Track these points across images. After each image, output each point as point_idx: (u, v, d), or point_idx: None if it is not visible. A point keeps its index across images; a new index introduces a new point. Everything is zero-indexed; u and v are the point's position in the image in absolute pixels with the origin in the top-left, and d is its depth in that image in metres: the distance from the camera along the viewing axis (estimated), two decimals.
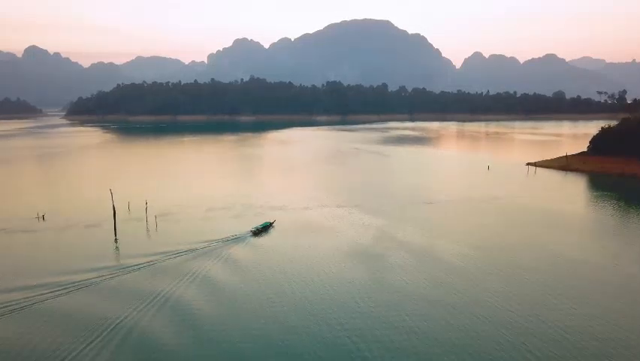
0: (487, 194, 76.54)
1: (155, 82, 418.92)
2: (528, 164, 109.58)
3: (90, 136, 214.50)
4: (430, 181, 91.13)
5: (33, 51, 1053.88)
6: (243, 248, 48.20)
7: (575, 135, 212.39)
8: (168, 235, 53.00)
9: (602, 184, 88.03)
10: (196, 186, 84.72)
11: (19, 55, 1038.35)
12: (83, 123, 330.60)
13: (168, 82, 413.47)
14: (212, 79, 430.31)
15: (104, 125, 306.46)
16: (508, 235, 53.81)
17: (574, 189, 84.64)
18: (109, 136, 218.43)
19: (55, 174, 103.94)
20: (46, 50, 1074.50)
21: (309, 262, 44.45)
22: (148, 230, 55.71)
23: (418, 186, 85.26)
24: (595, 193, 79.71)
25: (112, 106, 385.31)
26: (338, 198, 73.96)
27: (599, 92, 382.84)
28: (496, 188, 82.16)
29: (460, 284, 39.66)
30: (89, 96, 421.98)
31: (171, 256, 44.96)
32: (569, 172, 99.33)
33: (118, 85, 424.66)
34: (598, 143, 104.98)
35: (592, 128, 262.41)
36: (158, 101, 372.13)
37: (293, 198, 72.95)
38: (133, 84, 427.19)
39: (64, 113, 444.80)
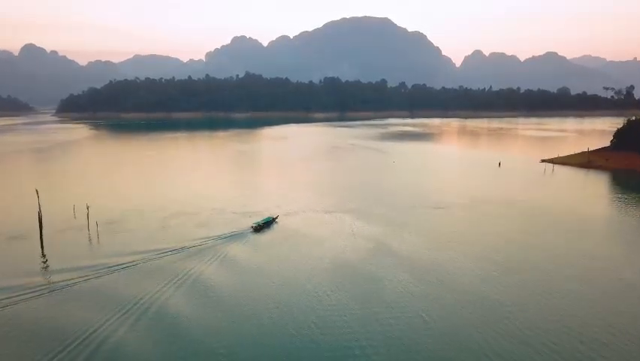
0: (502, 195, 65.68)
1: (148, 78, 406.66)
2: (543, 161, 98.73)
3: (73, 133, 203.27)
4: (434, 180, 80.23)
5: (30, 49, 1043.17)
6: (241, 246, 43.22)
7: (584, 131, 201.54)
8: (149, 234, 46.88)
9: (632, 184, 77.28)
10: (171, 185, 74.50)
11: (16, 53, 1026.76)
12: (72, 120, 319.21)
13: (161, 78, 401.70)
14: (207, 75, 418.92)
15: (94, 122, 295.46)
16: (533, 248, 42.95)
17: (600, 189, 73.92)
18: (93, 132, 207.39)
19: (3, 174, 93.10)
20: (43, 49, 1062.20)
21: (303, 271, 37.95)
22: (122, 229, 48.90)
23: (421, 186, 74.45)
24: (625, 194, 68.77)
25: (104, 103, 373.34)
26: (330, 200, 63.04)
27: (606, 88, 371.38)
28: (512, 188, 71.32)
29: (475, 312, 29.65)
30: (81, 93, 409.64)
31: (157, 256, 39.79)
32: (590, 170, 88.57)
33: (110, 81, 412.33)
34: (623, 137, 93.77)
35: (601, 124, 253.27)
36: (151, 97, 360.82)
37: (278, 201, 62.09)
38: (125, 80, 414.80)
39: (54, 111, 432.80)
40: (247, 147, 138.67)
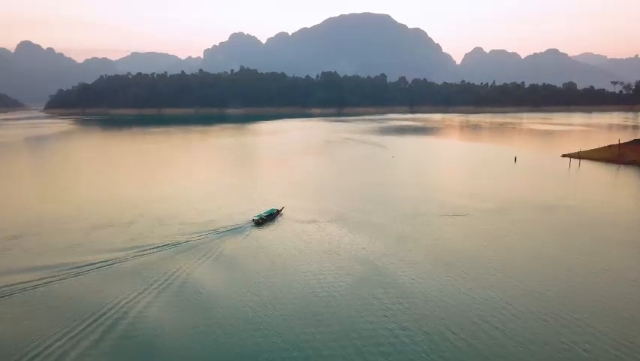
0: (528, 197, 52.98)
1: (140, 73, 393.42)
2: (565, 155, 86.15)
3: (50, 127, 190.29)
4: (441, 179, 67.54)
5: (26, 46, 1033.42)
6: (238, 243, 36.94)
7: (597, 125, 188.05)
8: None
9: None
10: (151, 179, 64.60)
11: (12, 50, 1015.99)
12: (58, 116, 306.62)
13: (153, 73, 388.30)
14: (201, 70, 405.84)
15: (80, 117, 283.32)
16: (597, 276, 30.39)
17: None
18: (73, 127, 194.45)
19: None
20: (39, 45, 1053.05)
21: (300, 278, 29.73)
22: (96, 223, 42.75)
23: (427, 186, 61.66)
24: None
25: (94, 98, 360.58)
26: (314, 205, 50.51)
27: (614, 83, 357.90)
28: (538, 188, 58.62)
29: None
30: (70, 88, 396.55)
31: (138, 254, 33.91)
32: (621, 165, 75.99)
33: (101, 76, 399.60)
34: None
35: (611, 118, 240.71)
36: (143, 93, 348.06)
37: (254, 205, 49.56)
38: (117, 76, 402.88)
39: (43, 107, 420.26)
40: (231, 142, 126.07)
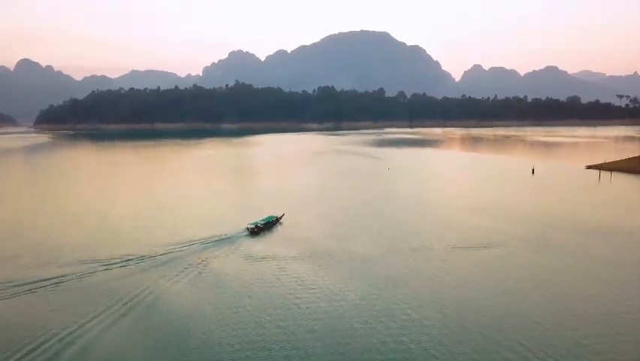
0: (564, 218, 40.77)
1: (132, 88, 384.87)
2: (590, 167, 74.35)
3: (25, 140, 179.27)
4: (451, 196, 55.36)
5: (25, 64, 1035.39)
6: (227, 255, 30.76)
7: (606, 137, 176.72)
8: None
9: None
10: (125, 187, 54.26)
11: (12, 68, 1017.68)
12: (46, 131, 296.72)
13: (146, 88, 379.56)
14: (195, 85, 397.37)
15: (65, 132, 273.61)
16: None
17: None
18: (51, 140, 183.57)
19: None
20: (38, 63, 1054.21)
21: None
22: (58, 235, 37.09)
23: (434, 204, 49.55)
24: None
25: (85, 114, 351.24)
26: (292, 229, 38.59)
27: (619, 96, 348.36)
28: (573, 206, 46.51)
29: None
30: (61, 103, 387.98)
31: (99, 269, 28.03)
32: None
33: (93, 91, 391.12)
34: None
35: (618, 131, 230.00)
36: (135, 108, 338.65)
37: (237, 215, 37.74)
38: (109, 91, 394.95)
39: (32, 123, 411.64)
40: (209, 152, 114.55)
